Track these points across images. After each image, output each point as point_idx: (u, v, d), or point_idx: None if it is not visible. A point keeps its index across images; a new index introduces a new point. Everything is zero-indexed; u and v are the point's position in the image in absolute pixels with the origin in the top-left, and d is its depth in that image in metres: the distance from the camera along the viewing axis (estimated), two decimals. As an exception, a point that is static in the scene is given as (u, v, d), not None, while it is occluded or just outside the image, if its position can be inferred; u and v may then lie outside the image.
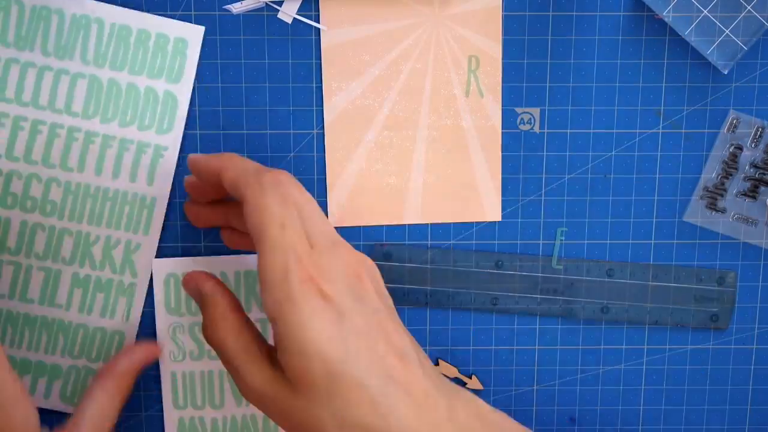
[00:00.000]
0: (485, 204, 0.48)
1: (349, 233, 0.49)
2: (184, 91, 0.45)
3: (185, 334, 0.49)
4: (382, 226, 0.48)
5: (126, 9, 0.45)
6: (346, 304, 0.36)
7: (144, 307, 0.48)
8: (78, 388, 0.48)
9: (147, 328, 0.49)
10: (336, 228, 0.48)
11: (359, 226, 0.48)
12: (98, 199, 0.46)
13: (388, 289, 0.49)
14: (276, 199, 0.37)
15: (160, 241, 0.48)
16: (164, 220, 0.47)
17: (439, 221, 0.48)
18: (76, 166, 0.45)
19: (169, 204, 0.47)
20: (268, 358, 0.38)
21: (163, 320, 0.48)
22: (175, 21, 0.45)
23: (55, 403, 0.49)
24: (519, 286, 0.49)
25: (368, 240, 0.48)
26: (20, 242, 0.46)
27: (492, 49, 0.47)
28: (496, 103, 0.47)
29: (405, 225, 0.48)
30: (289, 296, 0.35)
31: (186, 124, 0.47)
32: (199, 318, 0.48)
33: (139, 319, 0.48)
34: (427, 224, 0.49)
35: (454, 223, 0.49)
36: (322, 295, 0.36)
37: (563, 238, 0.49)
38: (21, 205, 0.45)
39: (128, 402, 0.50)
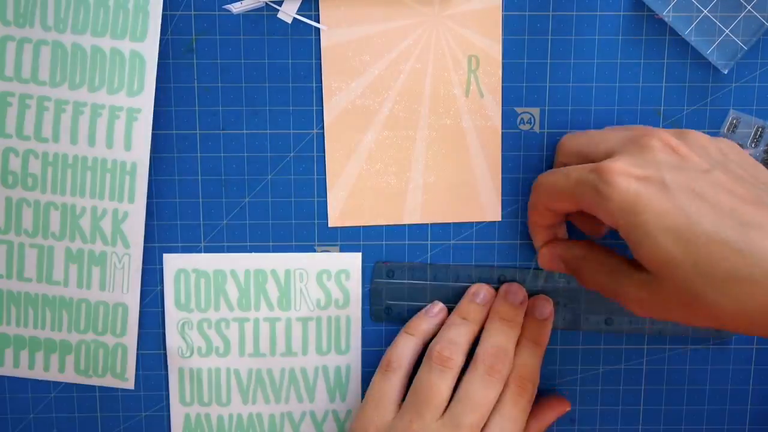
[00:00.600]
0: (485, 204, 0.48)
1: (349, 233, 0.49)
2: (150, 50, 0.44)
3: (194, 330, 0.49)
4: (382, 226, 0.48)
5: None
6: (665, 178, 0.37)
7: (142, 276, 0.48)
8: (90, 360, 0.48)
9: (153, 306, 0.49)
10: (336, 228, 0.48)
11: (359, 226, 0.48)
12: (77, 168, 0.45)
13: (392, 306, 0.49)
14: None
15: (162, 240, 0.48)
16: (162, 221, 0.48)
17: (439, 221, 0.48)
18: (50, 136, 0.45)
19: (173, 204, 0.47)
20: (634, 269, 0.39)
21: (172, 316, 0.48)
22: None
23: (70, 377, 0.49)
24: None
25: (368, 240, 0.48)
26: (8, 219, 0.45)
27: (492, 49, 0.47)
28: (496, 103, 0.47)
29: (405, 225, 0.48)
30: (616, 195, 0.37)
31: (186, 124, 0.47)
32: (208, 315, 0.49)
33: (139, 289, 0.48)
34: (427, 224, 0.49)
35: (454, 223, 0.49)
36: (642, 178, 0.37)
37: None
38: (3, 180, 0.45)
39: (129, 402, 0.50)
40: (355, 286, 0.49)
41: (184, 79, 0.47)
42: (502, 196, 0.48)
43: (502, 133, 0.48)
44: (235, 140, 0.47)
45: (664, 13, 0.45)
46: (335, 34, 0.46)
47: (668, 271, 0.36)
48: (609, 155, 0.40)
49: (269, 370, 0.49)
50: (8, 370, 0.49)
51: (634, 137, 0.40)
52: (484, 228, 0.49)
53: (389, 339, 0.49)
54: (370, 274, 0.49)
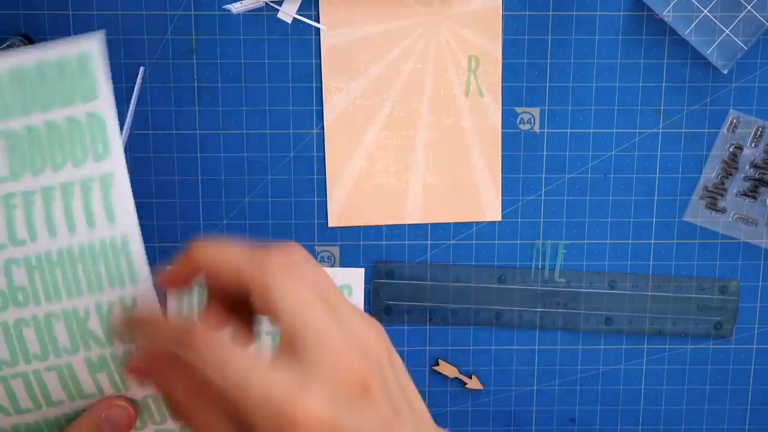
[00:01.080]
0: (485, 204, 0.48)
1: (349, 233, 0.49)
2: (106, 106, 0.40)
3: None
4: (382, 226, 0.48)
5: (14, 51, 0.40)
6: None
7: None
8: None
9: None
10: (336, 228, 0.48)
11: (359, 226, 0.48)
12: (65, 265, 0.40)
13: (391, 306, 0.49)
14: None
15: (162, 240, 0.48)
16: (162, 221, 0.47)
17: (439, 221, 0.48)
18: (27, 236, 0.39)
19: (173, 203, 0.47)
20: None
21: None
22: (69, 39, 0.39)
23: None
24: (520, 300, 0.49)
25: (368, 240, 0.48)
26: (12, 350, 0.40)
27: (492, 49, 0.47)
28: (496, 103, 0.47)
29: (405, 225, 0.48)
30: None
31: (186, 125, 0.47)
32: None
33: None
34: (427, 224, 0.49)
35: (454, 223, 0.49)
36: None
37: (565, 251, 0.49)
38: None
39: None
40: (357, 301, 0.49)
41: (184, 79, 0.47)
42: (502, 196, 0.48)
43: (502, 133, 0.48)
44: (235, 140, 0.47)
45: (664, 13, 0.45)
46: (335, 34, 0.46)
47: None
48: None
49: None
50: None
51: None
52: (484, 228, 0.49)
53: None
54: (371, 276, 0.49)
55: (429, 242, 0.49)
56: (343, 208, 0.48)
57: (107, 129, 0.40)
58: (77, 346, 0.40)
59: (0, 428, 0.41)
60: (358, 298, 0.49)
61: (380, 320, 0.50)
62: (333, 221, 0.48)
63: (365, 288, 0.49)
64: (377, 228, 0.48)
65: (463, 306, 0.49)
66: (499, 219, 0.49)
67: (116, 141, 0.40)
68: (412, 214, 0.48)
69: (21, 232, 0.39)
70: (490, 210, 0.48)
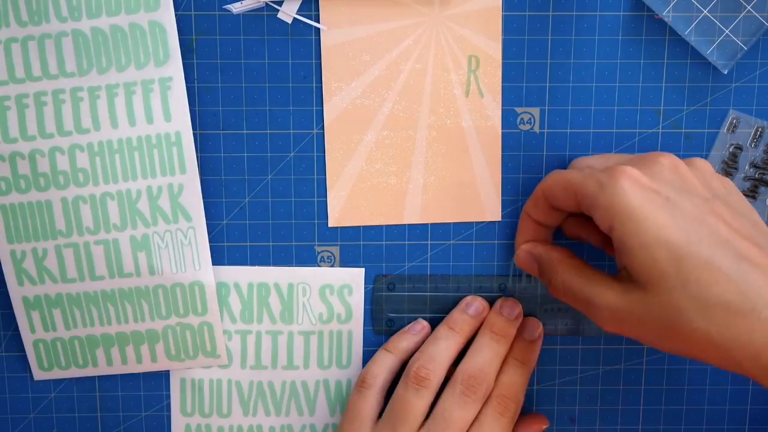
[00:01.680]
0: (485, 204, 0.48)
1: (349, 233, 0.49)
2: (168, 16, 0.44)
3: None
4: (382, 226, 0.48)
5: None
6: (670, 195, 0.38)
7: (210, 249, 0.48)
8: (180, 344, 0.48)
9: (219, 274, 0.48)
10: (336, 228, 0.48)
11: (359, 226, 0.48)
12: (124, 152, 0.44)
13: (393, 319, 0.49)
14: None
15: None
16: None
17: (439, 221, 0.48)
18: (91, 125, 0.44)
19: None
20: (612, 279, 0.39)
21: None
22: None
23: (164, 364, 0.48)
24: (524, 308, 0.49)
25: (368, 240, 0.48)
26: (68, 221, 0.45)
27: (492, 49, 0.47)
28: (496, 103, 0.47)
29: (405, 225, 0.48)
30: (621, 196, 0.38)
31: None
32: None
33: (210, 263, 0.47)
34: (427, 224, 0.49)
35: (454, 223, 0.49)
36: (648, 188, 0.38)
37: None
38: (55, 182, 0.44)
39: (129, 402, 0.50)
40: (357, 301, 0.49)
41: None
42: (502, 196, 0.48)
43: (502, 133, 0.48)
44: (235, 140, 0.47)
45: (664, 13, 0.45)
46: (335, 34, 0.46)
47: (657, 285, 0.36)
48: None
49: (270, 382, 0.49)
50: (103, 369, 0.48)
51: (646, 155, 0.41)
52: (484, 228, 0.49)
53: (390, 349, 0.49)
54: (371, 281, 0.49)
55: (429, 242, 0.49)
56: (343, 208, 0.48)
57: (168, 37, 0.44)
58: (125, 223, 0.45)
59: (46, 296, 0.46)
60: (358, 297, 0.49)
61: (381, 333, 0.50)
62: (333, 221, 0.48)
63: (365, 288, 0.49)
64: (377, 228, 0.49)
65: None
66: (499, 219, 0.49)
67: (175, 48, 0.44)
68: (412, 214, 0.48)
69: (85, 122, 0.44)
70: (490, 210, 0.48)
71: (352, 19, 0.46)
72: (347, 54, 0.46)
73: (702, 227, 0.37)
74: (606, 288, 0.39)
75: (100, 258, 0.45)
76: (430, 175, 0.48)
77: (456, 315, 0.47)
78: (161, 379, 0.50)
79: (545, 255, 0.44)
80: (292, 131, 0.47)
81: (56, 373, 0.48)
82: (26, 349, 0.48)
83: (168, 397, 0.50)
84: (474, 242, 0.49)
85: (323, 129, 0.47)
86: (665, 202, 0.37)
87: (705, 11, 0.45)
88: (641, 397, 0.51)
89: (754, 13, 0.45)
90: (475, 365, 0.45)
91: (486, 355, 0.45)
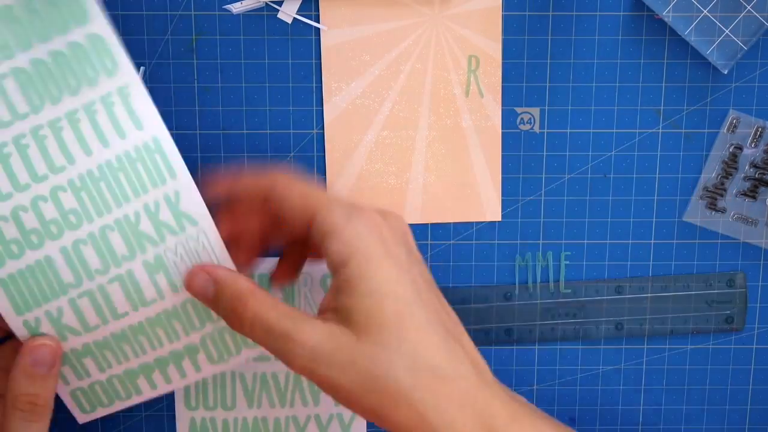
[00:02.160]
0: (485, 204, 0.48)
1: (349, 233, 0.48)
2: (100, 23, 0.40)
3: None
4: (382, 226, 0.48)
5: None
6: (402, 254, 0.38)
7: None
8: (221, 347, 0.44)
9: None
10: (336, 228, 0.48)
11: (359, 226, 0.48)
12: (108, 177, 0.41)
13: None
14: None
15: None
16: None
17: (439, 221, 0.48)
18: (65, 161, 0.41)
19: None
20: (313, 318, 0.37)
21: None
22: None
23: (208, 370, 0.45)
24: (530, 316, 0.49)
25: (368, 240, 0.48)
26: (74, 270, 0.41)
27: (492, 49, 0.47)
28: (496, 103, 0.47)
29: (405, 225, 0.48)
30: (366, 237, 0.37)
31: (186, 125, 0.47)
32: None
33: (229, 257, 0.42)
34: (427, 224, 0.49)
35: (454, 223, 0.49)
36: (388, 240, 0.38)
37: (567, 261, 0.49)
38: (48, 234, 0.41)
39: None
40: None
41: (184, 79, 0.47)
42: (502, 196, 0.48)
43: (502, 133, 0.48)
44: (235, 140, 0.47)
45: (664, 13, 0.45)
46: (335, 34, 0.46)
47: (374, 335, 0.35)
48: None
49: (274, 373, 0.49)
50: (148, 394, 0.45)
51: (384, 210, 0.40)
52: (484, 228, 0.49)
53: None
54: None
55: (429, 242, 0.49)
56: (343, 208, 0.48)
57: (109, 45, 0.40)
58: (134, 251, 0.42)
59: (72, 350, 0.43)
60: None
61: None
62: (333, 221, 0.48)
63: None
64: (377, 228, 0.48)
65: (470, 328, 0.49)
66: (499, 219, 0.49)
67: (121, 54, 0.41)
68: (412, 214, 0.48)
69: (58, 159, 0.40)
70: (490, 210, 0.48)
71: (352, 19, 0.46)
72: (347, 54, 0.46)
73: (423, 293, 0.37)
74: (309, 325, 0.36)
75: (119, 295, 0.42)
76: (430, 175, 0.48)
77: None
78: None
79: (230, 281, 0.39)
80: (292, 131, 0.47)
81: (101, 412, 0.45)
82: (65, 401, 0.45)
83: (168, 397, 0.50)
84: (474, 242, 0.49)
85: (323, 129, 0.47)
86: (397, 258, 0.37)
87: (705, 11, 0.45)
88: (641, 397, 0.51)
89: (754, 13, 0.45)
90: None
91: None
